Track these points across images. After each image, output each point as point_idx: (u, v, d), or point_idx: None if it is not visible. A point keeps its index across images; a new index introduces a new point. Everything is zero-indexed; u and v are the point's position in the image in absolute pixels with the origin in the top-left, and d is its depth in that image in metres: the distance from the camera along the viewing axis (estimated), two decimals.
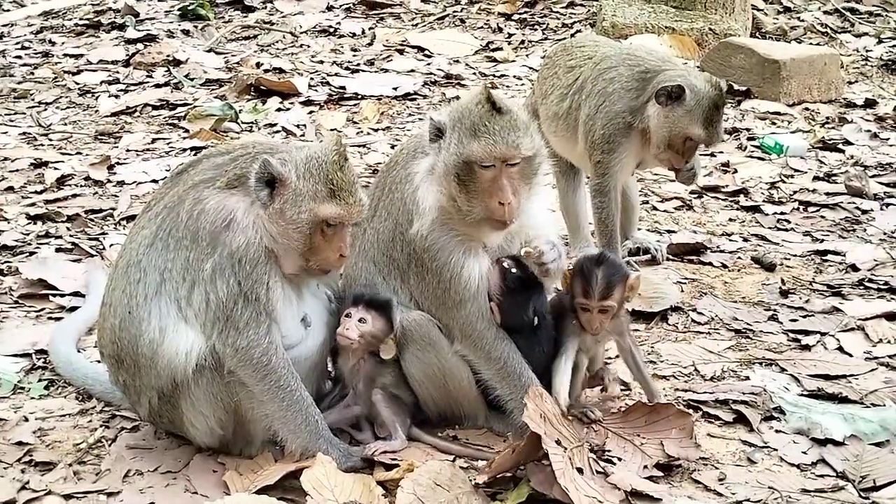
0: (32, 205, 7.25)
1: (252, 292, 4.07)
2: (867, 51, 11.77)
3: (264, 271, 4.09)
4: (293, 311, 4.26)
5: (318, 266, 4.19)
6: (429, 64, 10.84)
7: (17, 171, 8.00)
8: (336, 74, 10.47)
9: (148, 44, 11.37)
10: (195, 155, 4.84)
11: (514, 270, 4.38)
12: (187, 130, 8.90)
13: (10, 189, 7.61)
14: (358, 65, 10.83)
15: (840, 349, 5.32)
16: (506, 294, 4.37)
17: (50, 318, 5.66)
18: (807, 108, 9.67)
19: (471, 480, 4.06)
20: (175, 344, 4.08)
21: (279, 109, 9.47)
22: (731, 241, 6.78)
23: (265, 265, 4.10)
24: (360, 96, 9.80)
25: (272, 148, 4.30)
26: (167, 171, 7.58)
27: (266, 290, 4.09)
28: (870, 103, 9.87)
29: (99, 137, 8.87)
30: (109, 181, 7.76)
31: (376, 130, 9.00)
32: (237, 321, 4.06)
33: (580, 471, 3.99)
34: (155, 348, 4.09)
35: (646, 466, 4.20)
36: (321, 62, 11.00)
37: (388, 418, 4.38)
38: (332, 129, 8.90)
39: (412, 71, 10.57)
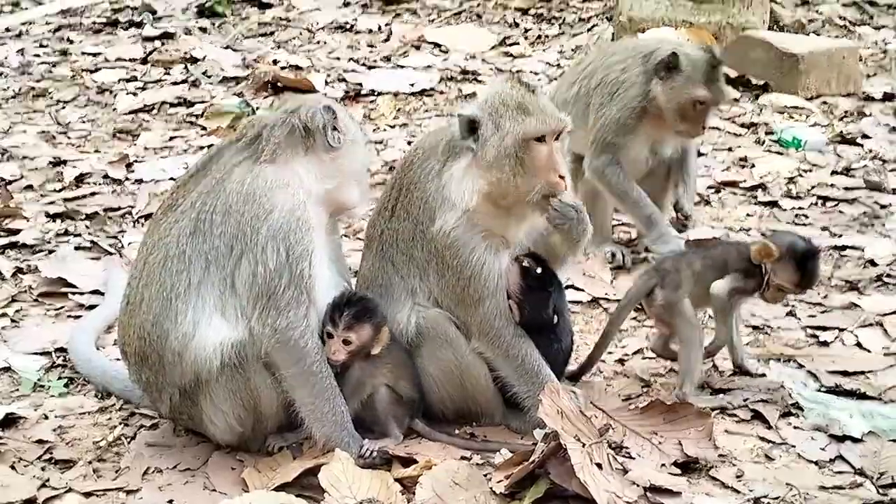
0: (51, 203, 7.30)
1: (297, 265, 4.12)
2: (886, 44, 11.68)
3: (310, 240, 4.19)
4: (324, 298, 4.31)
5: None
6: (445, 60, 10.83)
7: (35, 169, 8.04)
8: (353, 71, 10.47)
9: (165, 41, 11.40)
10: None
11: (538, 270, 4.39)
12: (205, 128, 8.93)
13: (30, 187, 7.66)
14: (374, 61, 10.83)
15: (858, 345, 5.30)
16: (526, 292, 4.38)
17: (69, 317, 5.70)
18: (825, 102, 9.61)
19: (487, 478, 4.07)
20: (205, 338, 4.11)
21: None
22: (748, 236, 6.75)
23: (311, 233, 4.20)
24: (376, 93, 9.79)
25: (288, 111, 4.41)
26: (185, 168, 7.60)
27: (309, 266, 4.16)
28: (889, 97, 9.79)
29: (117, 135, 8.90)
30: (128, 179, 7.80)
31: (393, 127, 9.01)
32: (279, 300, 4.11)
33: (599, 466, 3.99)
34: (186, 343, 4.12)
35: (663, 464, 4.19)
36: (338, 59, 11.00)
37: (384, 417, 4.37)
38: None
39: (429, 67, 10.55)
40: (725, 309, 4.78)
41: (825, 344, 5.30)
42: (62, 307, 5.80)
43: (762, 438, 4.42)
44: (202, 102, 9.58)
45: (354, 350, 4.30)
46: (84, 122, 9.31)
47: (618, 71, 6.31)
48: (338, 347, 4.27)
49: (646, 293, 4.81)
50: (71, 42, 11.92)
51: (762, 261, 4.68)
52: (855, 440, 4.35)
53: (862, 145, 8.59)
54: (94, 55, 11.30)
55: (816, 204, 7.38)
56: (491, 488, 4.03)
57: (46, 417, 4.67)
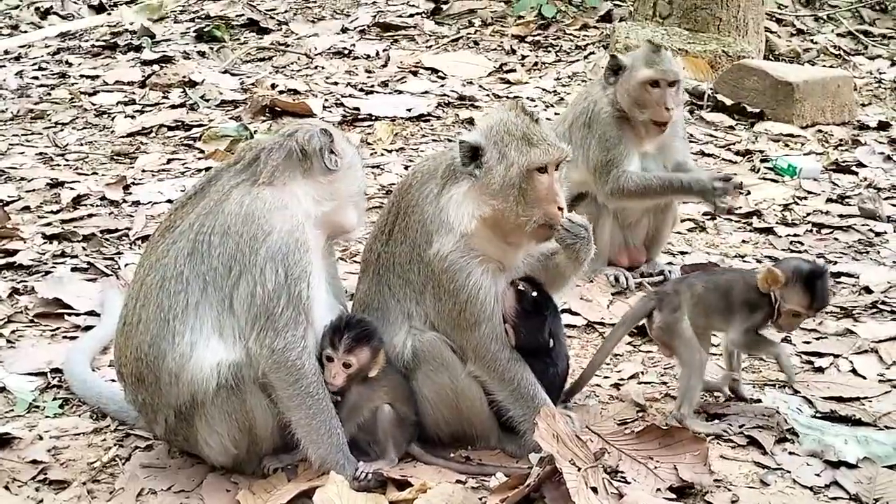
0: (48, 224, 7.30)
1: (296, 286, 4.13)
2: (881, 73, 11.77)
3: (308, 262, 4.19)
4: (321, 320, 4.32)
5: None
6: (442, 85, 10.87)
7: (33, 190, 8.04)
8: (350, 96, 10.50)
9: (164, 65, 11.42)
10: None
11: (533, 293, 4.40)
12: (202, 151, 8.93)
13: (27, 209, 7.66)
14: (372, 86, 10.86)
15: (853, 371, 5.31)
16: (522, 316, 4.39)
17: (65, 338, 5.69)
18: (820, 131, 9.67)
19: (482, 502, 4.07)
20: (202, 360, 4.11)
21: None
22: (744, 262, 6.78)
23: (309, 255, 4.21)
24: (374, 117, 9.82)
25: (285, 134, 4.43)
26: (182, 191, 7.61)
27: (307, 287, 4.16)
28: (883, 126, 9.86)
29: (115, 158, 8.91)
30: (125, 201, 7.80)
31: (390, 151, 9.03)
32: (277, 321, 4.11)
33: (594, 490, 3.99)
34: (183, 363, 4.11)
35: (659, 489, 4.19)
36: (335, 84, 11.03)
37: (384, 437, 4.37)
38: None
39: (426, 92, 10.59)
40: (754, 341, 4.76)
41: (820, 370, 5.31)
42: (58, 328, 5.80)
43: (757, 464, 4.41)
44: (200, 126, 9.58)
45: (354, 373, 4.30)
46: (82, 144, 9.31)
47: (582, 100, 6.70)
48: (338, 371, 4.27)
49: (643, 315, 4.82)
50: (69, 65, 11.94)
51: (770, 288, 4.66)
52: (850, 466, 4.35)
53: (857, 173, 8.65)
54: (93, 78, 11.32)
55: (812, 231, 7.42)
56: None
57: (41, 438, 4.66)
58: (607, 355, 5.05)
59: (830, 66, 11.70)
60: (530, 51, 12.17)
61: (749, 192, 8.09)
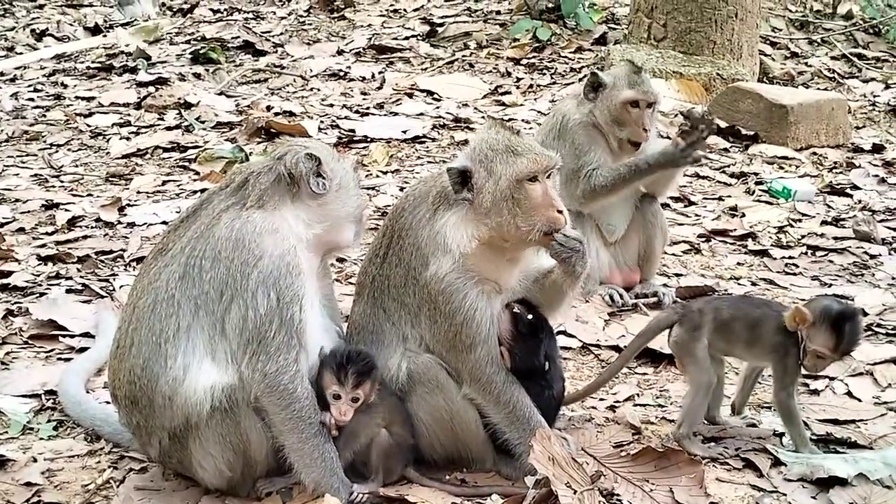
0: (43, 246, 7.29)
1: (288, 310, 4.11)
2: (875, 96, 11.82)
3: (300, 285, 4.17)
4: (314, 343, 4.31)
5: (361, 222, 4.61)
6: (438, 107, 10.89)
7: (28, 212, 8.04)
8: (346, 118, 10.52)
9: (159, 87, 11.44)
10: None
11: (528, 316, 4.40)
12: (198, 173, 8.94)
13: (22, 230, 7.65)
14: (367, 108, 10.89)
15: (849, 394, 5.30)
16: (517, 339, 4.38)
17: (59, 359, 5.67)
18: (814, 153, 9.70)
19: None
20: (195, 382, 4.10)
21: None
22: (739, 285, 6.79)
23: (301, 278, 4.18)
24: (369, 139, 9.83)
25: (274, 157, 4.42)
26: (177, 212, 7.61)
27: (299, 310, 4.14)
28: (877, 148, 9.90)
29: (110, 179, 8.92)
30: (120, 223, 7.80)
31: (385, 173, 9.04)
32: (269, 345, 4.09)
33: None
34: (176, 387, 4.10)
35: None
36: (331, 105, 11.06)
37: (376, 460, 4.34)
38: None
39: (421, 114, 10.61)
40: (792, 400, 4.67)
41: (816, 392, 5.31)
42: (52, 350, 5.78)
43: (753, 486, 4.40)
44: (195, 147, 9.59)
45: (360, 406, 4.29)
46: (77, 165, 9.32)
47: (551, 117, 6.85)
48: (347, 407, 4.25)
49: (665, 328, 4.82)
50: (65, 86, 11.97)
51: (797, 327, 4.58)
52: (843, 483, 4.31)
53: (851, 196, 8.68)
54: (88, 100, 11.34)
55: (806, 253, 7.42)
56: None
57: (35, 460, 4.64)
58: (626, 362, 5.08)
59: (825, 89, 11.75)
60: (525, 73, 12.22)
61: (744, 215, 8.12)
